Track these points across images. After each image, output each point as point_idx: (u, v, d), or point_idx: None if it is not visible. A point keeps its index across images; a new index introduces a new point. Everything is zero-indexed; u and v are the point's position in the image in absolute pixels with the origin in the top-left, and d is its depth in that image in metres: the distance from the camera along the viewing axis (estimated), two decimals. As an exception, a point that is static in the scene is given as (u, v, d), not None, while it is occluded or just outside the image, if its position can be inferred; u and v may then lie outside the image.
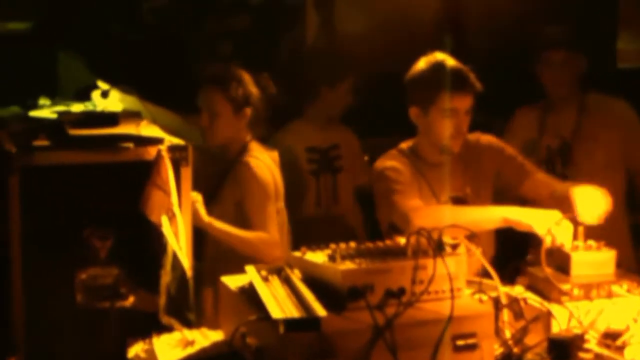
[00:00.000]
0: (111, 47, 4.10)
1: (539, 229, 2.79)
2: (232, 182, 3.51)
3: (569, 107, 3.72)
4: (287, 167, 3.70)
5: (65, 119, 2.99)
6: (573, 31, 3.76)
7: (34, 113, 3.24)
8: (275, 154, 3.64)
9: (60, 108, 3.25)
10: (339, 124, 4.17)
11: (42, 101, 3.33)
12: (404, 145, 3.29)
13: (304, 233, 3.65)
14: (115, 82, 3.46)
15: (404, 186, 3.13)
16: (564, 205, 2.92)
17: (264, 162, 3.54)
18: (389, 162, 3.21)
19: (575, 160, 3.69)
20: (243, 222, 3.44)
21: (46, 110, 3.24)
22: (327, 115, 4.07)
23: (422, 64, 3.16)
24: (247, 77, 3.57)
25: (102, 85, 3.52)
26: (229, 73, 3.55)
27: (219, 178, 3.54)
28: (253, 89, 3.57)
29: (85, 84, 3.59)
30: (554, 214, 2.83)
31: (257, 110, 3.59)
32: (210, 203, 3.46)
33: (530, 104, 3.80)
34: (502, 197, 3.28)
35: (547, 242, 2.68)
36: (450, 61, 3.12)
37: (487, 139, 3.30)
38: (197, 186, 3.40)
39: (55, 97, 3.42)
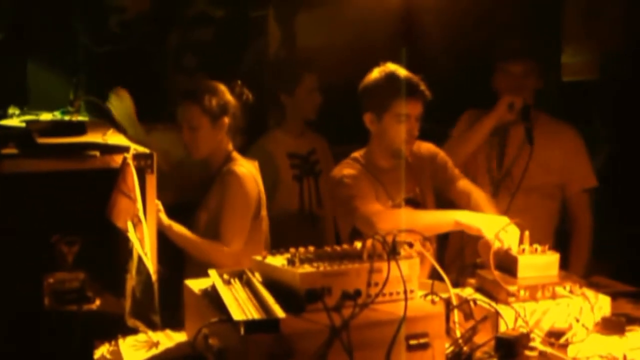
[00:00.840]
0: (80, 58, 4.09)
1: (488, 233, 2.84)
2: (218, 190, 3.46)
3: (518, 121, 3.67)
4: (270, 172, 3.69)
5: (34, 127, 2.96)
6: (534, 43, 3.74)
7: (3, 122, 3.21)
8: (256, 163, 3.60)
9: (29, 117, 3.23)
10: (312, 131, 4.17)
11: (11, 110, 3.30)
12: (357, 153, 3.34)
13: (288, 235, 3.65)
14: (83, 93, 3.42)
15: (363, 192, 3.17)
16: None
17: (249, 171, 3.50)
18: (346, 170, 3.25)
19: (513, 174, 3.67)
20: None
21: (15, 120, 3.22)
22: (302, 119, 4.07)
23: (375, 73, 3.23)
24: (221, 88, 3.52)
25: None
26: (201, 86, 3.51)
27: (206, 186, 3.50)
28: (229, 98, 3.52)
29: (54, 94, 3.56)
30: (502, 219, 2.88)
31: (235, 118, 3.55)
32: (197, 210, 3.45)
33: (479, 108, 3.76)
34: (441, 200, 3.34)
35: (495, 245, 2.73)
36: (402, 71, 3.20)
37: (426, 146, 3.39)
38: (183, 194, 3.39)
39: (25, 107, 3.39)
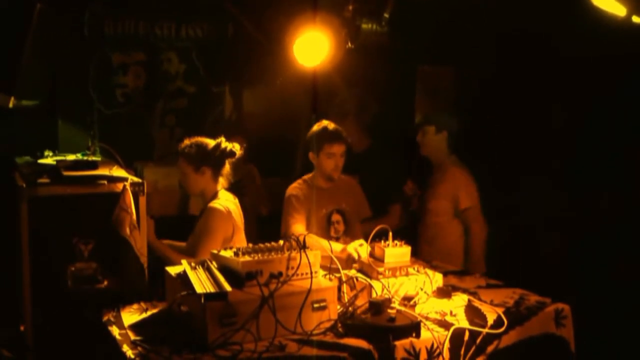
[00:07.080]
0: (95, 117, 4.03)
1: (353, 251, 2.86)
2: (202, 219, 3.04)
3: (440, 167, 3.59)
4: None
5: (61, 164, 2.89)
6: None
7: (40, 161, 3.12)
8: (235, 200, 3.14)
9: (59, 157, 3.15)
10: (246, 164, 3.99)
11: (47, 153, 3.21)
12: (306, 177, 3.35)
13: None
14: (96, 141, 3.30)
15: (298, 210, 3.18)
16: None
17: (225, 206, 3.02)
18: (294, 190, 3.26)
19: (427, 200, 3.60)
20: None
21: (49, 159, 3.13)
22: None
23: (315, 127, 3.27)
24: (203, 144, 3.06)
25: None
26: (188, 144, 3.07)
27: (199, 216, 3.12)
28: (208, 152, 3.05)
29: (77, 141, 3.45)
30: (359, 241, 2.92)
31: (217, 166, 3.08)
32: (191, 234, 3.11)
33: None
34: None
35: (355, 255, 2.78)
36: (331, 125, 3.26)
37: (347, 177, 3.40)
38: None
39: (56, 150, 3.29)
